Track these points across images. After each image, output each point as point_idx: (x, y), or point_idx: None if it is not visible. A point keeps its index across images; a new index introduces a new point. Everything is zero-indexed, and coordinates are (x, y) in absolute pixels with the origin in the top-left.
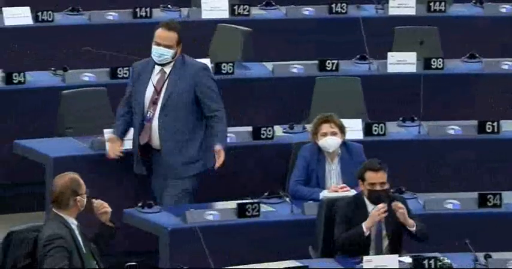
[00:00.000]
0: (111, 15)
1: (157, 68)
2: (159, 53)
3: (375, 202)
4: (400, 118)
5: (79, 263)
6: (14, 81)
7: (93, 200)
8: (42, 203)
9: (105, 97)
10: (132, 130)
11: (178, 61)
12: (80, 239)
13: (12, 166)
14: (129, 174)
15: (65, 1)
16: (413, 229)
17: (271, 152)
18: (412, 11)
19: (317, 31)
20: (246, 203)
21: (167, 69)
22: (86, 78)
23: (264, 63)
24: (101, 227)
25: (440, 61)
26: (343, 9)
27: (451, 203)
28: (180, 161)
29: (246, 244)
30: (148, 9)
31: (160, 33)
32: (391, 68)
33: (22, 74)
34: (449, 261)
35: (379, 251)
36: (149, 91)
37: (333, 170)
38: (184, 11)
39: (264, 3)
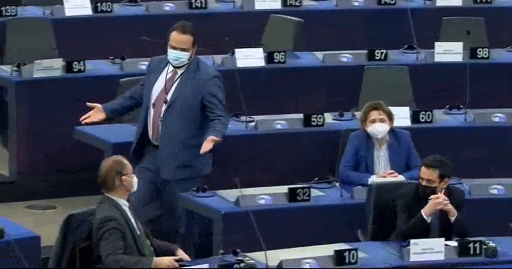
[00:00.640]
0: (168, 6)
1: (170, 67)
2: (175, 56)
3: (421, 195)
4: (447, 106)
5: (133, 243)
6: (74, 70)
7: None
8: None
9: None
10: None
11: (193, 64)
12: (132, 220)
13: (72, 152)
14: None
15: None
16: (453, 218)
17: (321, 139)
18: (459, 2)
19: (366, 21)
20: (297, 188)
21: (180, 71)
22: (143, 67)
23: (314, 52)
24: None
25: (486, 51)
26: (392, 1)
27: (495, 188)
28: (175, 164)
29: (297, 228)
30: (203, 1)
31: (175, 36)
32: (438, 58)
33: (82, 62)
34: (494, 244)
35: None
36: (157, 88)
37: (381, 157)
38: (238, 2)
39: None
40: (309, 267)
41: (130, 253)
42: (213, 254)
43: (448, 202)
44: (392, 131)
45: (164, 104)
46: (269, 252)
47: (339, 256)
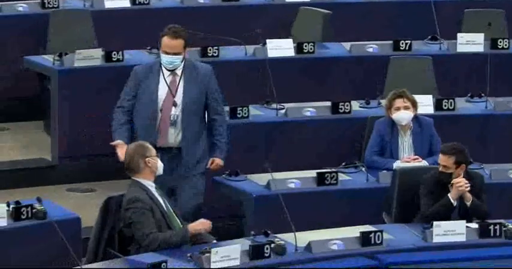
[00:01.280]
0: None
1: (165, 71)
2: (169, 61)
3: (440, 180)
4: (468, 94)
5: (162, 219)
6: (113, 59)
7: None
8: None
9: None
10: None
11: (187, 62)
12: (159, 199)
13: (110, 136)
14: None
15: None
16: (468, 203)
17: (348, 126)
18: None
19: (392, 13)
20: (325, 172)
21: (178, 71)
22: None
23: (342, 43)
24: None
25: (506, 41)
26: None
27: None
28: (194, 160)
29: (324, 210)
30: None
31: (167, 42)
32: (461, 48)
33: (120, 52)
34: None
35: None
36: (161, 93)
37: (405, 142)
38: None
39: None
40: (336, 248)
41: (161, 227)
42: (245, 235)
43: (468, 185)
44: (416, 118)
45: (174, 107)
46: (298, 233)
47: (364, 237)
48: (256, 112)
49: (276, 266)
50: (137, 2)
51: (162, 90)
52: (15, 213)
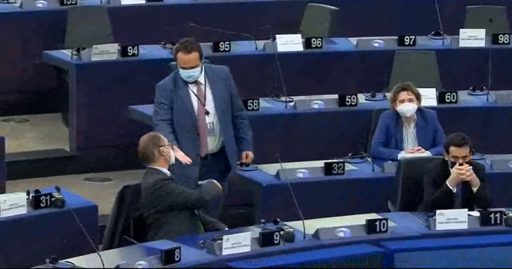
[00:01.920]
0: None
1: (190, 83)
2: (187, 75)
3: (443, 169)
4: (470, 88)
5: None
6: (129, 54)
7: None
8: None
9: None
10: None
11: (206, 68)
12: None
13: (126, 128)
14: None
15: None
16: (475, 189)
17: (354, 118)
18: None
19: (397, 10)
20: (332, 163)
21: (201, 80)
22: None
23: (349, 38)
24: None
25: (507, 37)
26: None
27: None
28: (236, 161)
29: (332, 199)
30: None
31: (181, 57)
32: (463, 43)
33: (136, 47)
34: None
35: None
36: (195, 104)
37: (409, 134)
38: None
39: None
40: (343, 235)
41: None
42: (255, 223)
43: (471, 172)
44: (420, 111)
45: (207, 116)
46: (306, 221)
47: (370, 225)
48: (266, 105)
49: (285, 253)
50: None
51: (194, 102)
52: (35, 201)
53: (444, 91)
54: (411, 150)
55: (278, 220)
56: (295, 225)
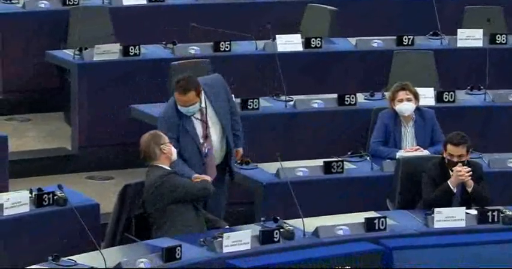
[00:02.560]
0: None
1: None
2: (186, 110)
3: (442, 168)
4: (468, 87)
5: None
6: (130, 54)
7: None
8: None
9: (209, 67)
10: None
11: (204, 89)
12: None
13: (128, 127)
14: None
15: None
16: (470, 189)
17: (353, 117)
18: None
19: (395, 10)
20: (332, 161)
21: (202, 103)
22: (192, 51)
23: (348, 38)
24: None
25: (504, 37)
26: None
27: None
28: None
29: (331, 197)
30: None
31: (179, 98)
32: (461, 43)
33: (137, 47)
34: (510, 213)
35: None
36: (199, 130)
37: (408, 133)
38: None
39: None
40: (342, 233)
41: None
42: (255, 221)
43: (469, 174)
44: (418, 110)
45: (217, 136)
46: (306, 219)
47: (369, 223)
48: (266, 104)
49: (285, 251)
50: (153, 0)
51: (198, 127)
52: (38, 199)
53: (442, 90)
54: (409, 150)
55: (278, 218)
56: (295, 223)
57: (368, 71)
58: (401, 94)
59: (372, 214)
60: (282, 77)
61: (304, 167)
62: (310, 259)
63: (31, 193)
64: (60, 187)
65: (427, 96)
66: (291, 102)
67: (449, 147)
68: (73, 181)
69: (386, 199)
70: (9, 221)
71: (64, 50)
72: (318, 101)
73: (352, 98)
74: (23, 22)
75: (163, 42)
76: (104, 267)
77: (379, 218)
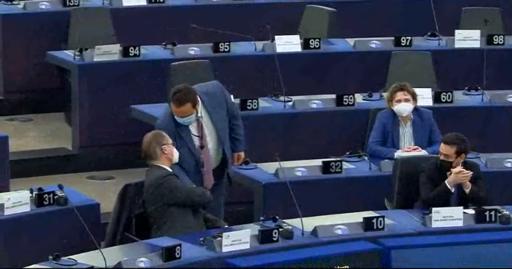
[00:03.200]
0: None
1: None
2: (183, 121)
3: (440, 168)
4: (466, 87)
5: None
6: (130, 54)
7: None
8: None
9: (209, 68)
10: None
11: (201, 97)
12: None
13: (128, 127)
14: None
15: None
16: (467, 190)
17: (352, 117)
18: None
19: (393, 11)
20: (330, 161)
21: (198, 113)
22: (192, 52)
23: (346, 39)
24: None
25: (501, 38)
26: None
27: (509, 162)
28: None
29: (330, 197)
30: None
31: (175, 109)
32: (458, 44)
33: (137, 48)
34: (507, 212)
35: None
36: (195, 138)
37: (406, 133)
38: None
39: None
40: (340, 233)
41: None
42: (254, 220)
43: (468, 175)
44: (416, 110)
45: (213, 147)
46: (305, 219)
47: (367, 222)
48: (265, 104)
49: (284, 250)
50: (153, 0)
51: (194, 136)
52: (38, 199)
53: (440, 91)
54: (407, 149)
55: (277, 217)
56: (294, 222)
57: (366, 72)
58: (400, 95)
59: (370, 214)
60: (281, 77)
61: (303, 167)
62: (309, 258)
63: (31, 192)
64: (60, 187)
65: (425, 96)
66: (290, 103)
67: (441, 144)
68: (73, 180)
69: (384, 199)
70: (9, 220)
71: (64, 51)
72: (317, 102)
73: (351, 98)
74: (23, 23)
75: (163, 43)
76: (104, 266)
77: (377, 217)
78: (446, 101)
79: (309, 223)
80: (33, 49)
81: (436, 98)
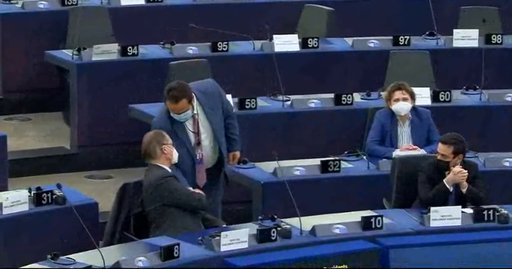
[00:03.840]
0: None
1: None
2: (181, 118)
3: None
4: (464, 87)
5: None
6: (129, 54)
7: None
8: None
9: (207, 67)
10: None
11: (196, 96)
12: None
13: (127, 126)
14: None
15: None
16: (464, 190)
17: (350, 116)
18: None
19: (392, 10)
20: (329, 160)
21: (194, 110)
22: (191, 51)
23: (344, 38)
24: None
25: (499, 37)
26: None
27: (508, 161)
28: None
29: (328, 196)
30: None
31: (171, 106)
32: (456, 43)
33: (136, 47)
34: (506, 212)
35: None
36: (191, 135)
37: (404, 132)
38: None
39: None
40: (339, 232)
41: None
42: (253, 219)
43: (466, 175)
44: (414, 109)
45: (208, 144)
46: (303, 218)
47: (366, 221)
48: (263, 104)
49: (282, 249)
50: (151, 0)
51: (190, 133)
52: (37, 199)
53: (438, 90)
54: (405, 147)
55: (275, 216)
56: (292, 222)
57: (364, 71)
58: (398, 94)
59: (368, 213)
60: (280, 76)
61: (301, 166)
62: (307, 257)
63: (30, 191)
64: (58, 186)
65: (423, 96)
66: (288, 102)
67: (439, 145)
68: (72, 180)
69: (382, 198)
70: (8, 220)
71: (63, 50)
72: (315, 101)
73: (349, 97)
74: (22, 22)
75: (162, 42)
76: (103, 265)
77: (375, 216)
78: (444, 101)
79: (307, 222)
80: (32, 48)
81: (435, 97)
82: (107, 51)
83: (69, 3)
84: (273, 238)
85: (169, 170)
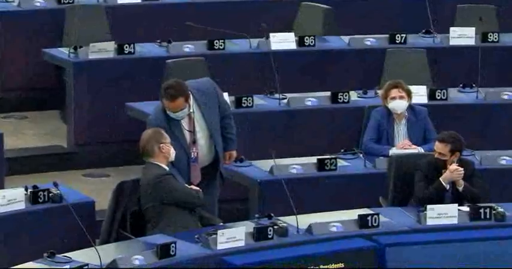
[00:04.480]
0: None
1: None
2: (177, 116)
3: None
4: (460, 85)
5: None
6: (125, 52)
7: None
8: None
9: (204, 65)
10: None
11: (193, 94)
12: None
13: (124, 125)
14: None
15: None
16: (460, 188)
17: (347, 114)
18: None
19: (388, 9)
20: (325, 159)
21: (191, 108)
22: (187, 50)
23: (341, 36)
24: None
25: (496, 35)
26: None
27: (504, 159)
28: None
29: (325, 194)
30: None
31: (168, 104)
32: (453, 41)
33: (132, 45)
34: (502, 210)
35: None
36: (187, 134)
37: (400, 130)
38: None
39: None
40: (335, 230)
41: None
42: (249, 218)
43: (462, 173)
44: (411, 107)
45: (205, 142)
46: (300, 216)
47: (362, 219)
48: (260, 102)
49: (279, 247)
50: None
51: (186, 131)
52: (33, 197)
53: (435, 88)
54: (402, 144)
55: (272, 214)
56: (289, 220)
57: (361, 69)
58: (394, 92)
59: (365, 211)
60: (276, 75)
61: (298, 165)
62: (303, 255)
63: (26, 190)
64: (55, 184)
65: (420, 94)
66: (285, 100)
67: (436, 143)
68: (70, 178)
69: (379, 196)
70: (4, 218)
71: (60, 49)
72: (312, 99)
73: (346, 95)
74: (18, 21)
75: (158, 41)
76: (99, 264)
77: (372, 215)
78: (441, 99)
79: (304, 220)
80: (30, 47)
81: (431, 95)
82: (103, 50)
83: (66, 2)
84: (270, 236)
85: (167, 168)
